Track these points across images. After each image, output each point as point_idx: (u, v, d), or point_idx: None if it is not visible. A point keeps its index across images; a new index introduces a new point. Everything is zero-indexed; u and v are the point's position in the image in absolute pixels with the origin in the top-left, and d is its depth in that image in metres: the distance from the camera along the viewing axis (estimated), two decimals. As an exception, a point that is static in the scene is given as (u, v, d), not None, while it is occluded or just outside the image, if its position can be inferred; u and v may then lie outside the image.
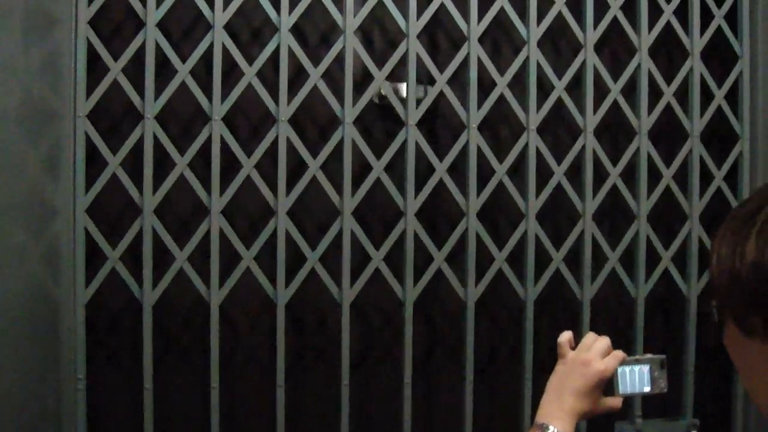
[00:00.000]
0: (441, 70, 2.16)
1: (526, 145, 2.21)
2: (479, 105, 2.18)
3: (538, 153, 2.23)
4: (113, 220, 2.11)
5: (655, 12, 2.32)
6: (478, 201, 2.19)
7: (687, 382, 2.35)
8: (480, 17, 2.17)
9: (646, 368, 1.35)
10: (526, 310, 2.22)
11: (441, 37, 2.31)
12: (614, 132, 2.41)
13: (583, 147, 2.25)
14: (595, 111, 2.27)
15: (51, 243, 1.91)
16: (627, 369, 1.33)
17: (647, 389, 1.35)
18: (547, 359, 2.42)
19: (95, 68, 1.99)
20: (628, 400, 1.44)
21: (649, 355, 1.36)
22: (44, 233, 1.90)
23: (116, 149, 1.98)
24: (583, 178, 2.26)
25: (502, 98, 2.20)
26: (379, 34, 2.27)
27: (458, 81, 2.20)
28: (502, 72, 2.20)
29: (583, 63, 2.25)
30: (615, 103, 2.29)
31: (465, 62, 2.17)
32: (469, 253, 2.17)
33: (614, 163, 2.30)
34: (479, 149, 2.18)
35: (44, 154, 1.90)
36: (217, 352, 2.04)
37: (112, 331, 2.14)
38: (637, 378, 1.34)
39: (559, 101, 2.25)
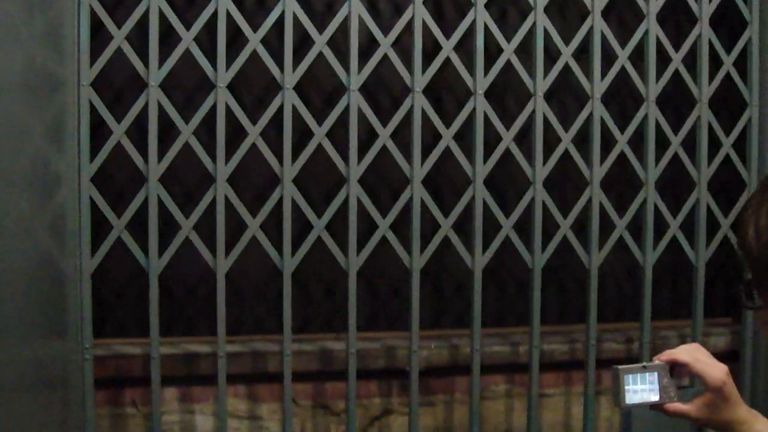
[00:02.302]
0: (447, 37, 2.14)
1: (533, 112, 2.19)
2: (486, 72, 2.16)
3: (546, 120, 2.21)
4: (118, 189, 2.10)
5: (663, -23, 2.30)
6: (485, 168, 2.17)
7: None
8: (486, -17, 2.15)
9: (654, 376, 1.25)
10: (534, 278, 2.21)
11: (447, 3, 2.28)
12: (622, 99, 2.39)
13: (591, 114, 2.23)
14: (602, 78, 2.24)
15: (56, 212, 1.90)
16: (633, 377, 1.25)
17: (655, 399, 1.25)
18: (554, 328, 2.43)
19: (99, 36, 1.98)
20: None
21: (656, 362, 1.27)
22: (49, 202, 1.89)
23: (121, 118, 1.97)
24: (590, 145, 2.24)
25: (508, 65, 2.18)
26: (385, 1, 2.25)
27: (465, 48, 2.18)
28: (508, 39, 2.18)
29: (591, 29, 2.23)
30: (623, 69, 2.27)
31: (471, 29, 2.15)
32: (476, 221, 2.16)
33: (622, 130, 2.27)
34: (486, 116, 2.16)
35: (48, 123, 1.89)
36: (223, 321, 2.03)
37: (119, 300, 2.14)
38: (644, 387, 1.25)
39: (567, 68, 2.23)
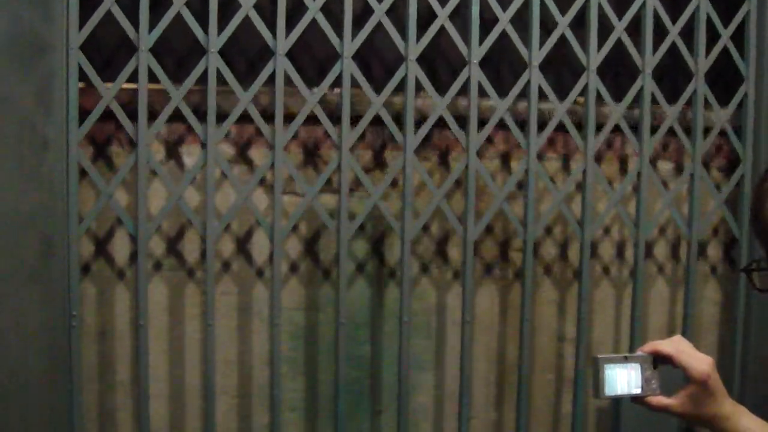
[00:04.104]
0: (442, 5, 2.10)
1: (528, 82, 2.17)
2: (480, 41, 2.13)
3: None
4: (107, 155, 2.07)
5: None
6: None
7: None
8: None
9: (635, 367, 1.21)
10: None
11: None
12: (617, 71, 2.36)
13: (586, 85, 2.21)
14: (599, 49, 2.21)
15: (45, 177, 1.88)
16: (613, 368, 1.19)
17: (637, 391, 1.20)
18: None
19: (88, -2, 1.94)
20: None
21: (639, 353, 1.22)
22: (38, 168, 1.86)
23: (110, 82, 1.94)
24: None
25: (504, 34, 2.15)
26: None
27: (460, 16, 2.15)
28: (504, 8, 2.14)
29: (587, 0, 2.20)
30: (619, 41, 2.24)
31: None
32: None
33: (617, 101, 2.25)
34: (480, 85, 2.13)
35: (36, 87, 1.86)
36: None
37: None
38: (625, 378, 1.20)
39: (563, 38, 2.19)
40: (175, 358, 2.16)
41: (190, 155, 2.10)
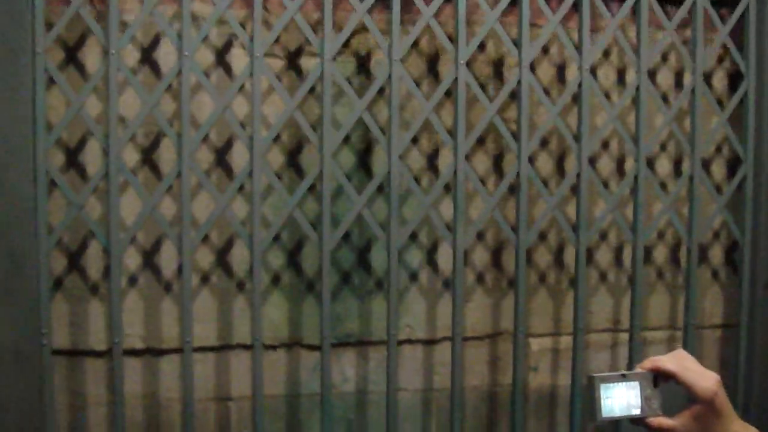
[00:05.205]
0: None
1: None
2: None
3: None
4: (77, 161, 1.98)
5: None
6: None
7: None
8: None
9: (634, 386, 1.12)
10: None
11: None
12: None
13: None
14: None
15: (9, 187, 1.78)
16: (611, 386, 1.11)
17: (636, 412, 1.12)
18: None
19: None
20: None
21: (638, 370, 1.13)
22: (4, 176, 1.77)
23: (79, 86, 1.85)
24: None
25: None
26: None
27: None
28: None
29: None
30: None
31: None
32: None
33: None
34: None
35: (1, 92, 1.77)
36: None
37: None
38: (624, 399, 1.12)
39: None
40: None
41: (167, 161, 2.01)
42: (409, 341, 2.19)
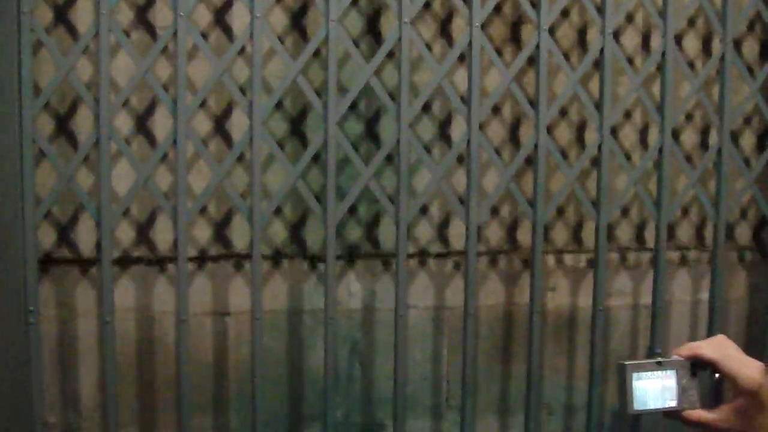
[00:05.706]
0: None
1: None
2: None
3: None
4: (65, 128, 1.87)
5: None
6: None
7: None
8: None
9: (671, 375, 1.01)
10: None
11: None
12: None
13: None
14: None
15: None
16: (644, 375, 1.00)
17: (672, 404, 1.02)
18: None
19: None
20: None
21: (675, 357, 1.02)
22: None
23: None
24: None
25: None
26: None
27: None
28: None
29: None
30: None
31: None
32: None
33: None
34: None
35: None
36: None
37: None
38: (659, 389, 1.01)
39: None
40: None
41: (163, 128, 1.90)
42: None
